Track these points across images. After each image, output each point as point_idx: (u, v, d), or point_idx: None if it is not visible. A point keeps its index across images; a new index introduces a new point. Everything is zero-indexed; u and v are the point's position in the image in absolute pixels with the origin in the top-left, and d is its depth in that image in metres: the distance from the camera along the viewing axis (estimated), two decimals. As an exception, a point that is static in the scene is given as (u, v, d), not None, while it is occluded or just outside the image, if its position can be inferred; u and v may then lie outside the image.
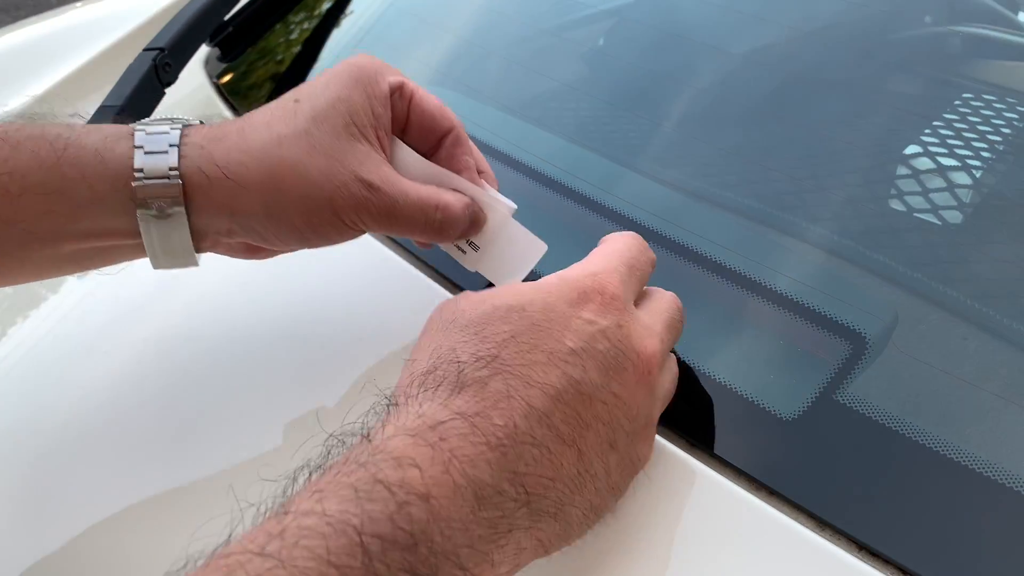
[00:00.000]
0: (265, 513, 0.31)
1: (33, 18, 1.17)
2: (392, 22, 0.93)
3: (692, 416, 0.46)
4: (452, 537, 0.31)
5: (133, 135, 0.43)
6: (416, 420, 0.33)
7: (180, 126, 0.44)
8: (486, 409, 0.34)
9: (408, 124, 0.49)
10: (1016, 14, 0.82)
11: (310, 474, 0.33)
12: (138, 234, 0.44)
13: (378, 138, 0.46)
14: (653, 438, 0.42)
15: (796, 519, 0.41)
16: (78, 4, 1.18)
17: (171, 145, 0.43)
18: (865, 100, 0.65)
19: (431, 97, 0.49)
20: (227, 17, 0.93)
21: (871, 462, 0.42)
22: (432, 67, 0.82)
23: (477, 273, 0.51)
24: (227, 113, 0.86)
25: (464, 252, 0.51)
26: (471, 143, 0.50)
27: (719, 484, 0.43)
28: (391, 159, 0.48)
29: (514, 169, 0.66)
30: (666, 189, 0.61)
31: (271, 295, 0.62)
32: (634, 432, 0.38)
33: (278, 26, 0.99)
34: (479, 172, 0.50)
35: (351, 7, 0.98)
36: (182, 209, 0.43)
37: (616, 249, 0.43)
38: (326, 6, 1.01)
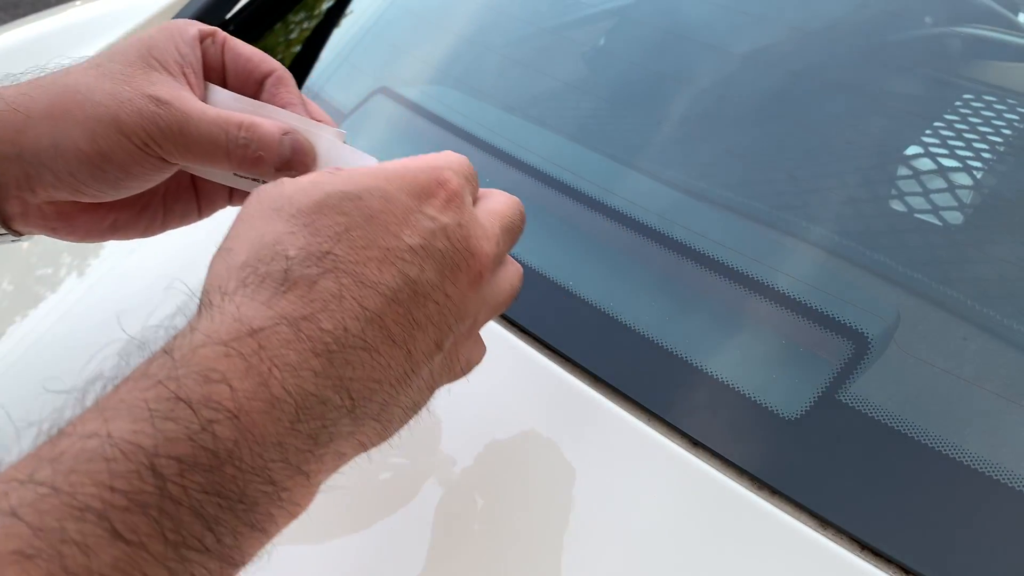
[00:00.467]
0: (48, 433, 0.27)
1: (31, 16, 1.17)
2: (392, 21, 0.93)
3: (695, 415, 0.46)
4: (263, 454, 0.28)
5: None
6: (232, 325, 0.30)
7: None
8: (315, 312, 0.31)
9: (225, 70, 0.48)
10: (1016, 15, 0.82)
11: (104, 388, 0.29)
12: None
13: (184, 74, 0.44)
14: (478, 342, 0.41)
15: (798, 518, 0.41)
16: (77, 3, 1.18)
17: None
18: (866, 101, 0.65)
19: (248, 45, 0.48)
20: (227, 16, 0.93)
21: (872, 461, 0.42)
22: (433, 66, 0.82)
23: None
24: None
25: None
26: (295, 87, 0.48)
27: (721, 483, 0.43)
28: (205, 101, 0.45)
29: (515, 167, 0.66)
30: (668, 188, 0.61)
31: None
32: (460, 334, 0.37)
33: (278, 26, 0.99)
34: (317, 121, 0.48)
35: (351, 7, 0.98)
36: None
37: (451, 158, 0.39)
38: (326, 5, 1.01)
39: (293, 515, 0.31)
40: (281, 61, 0.96)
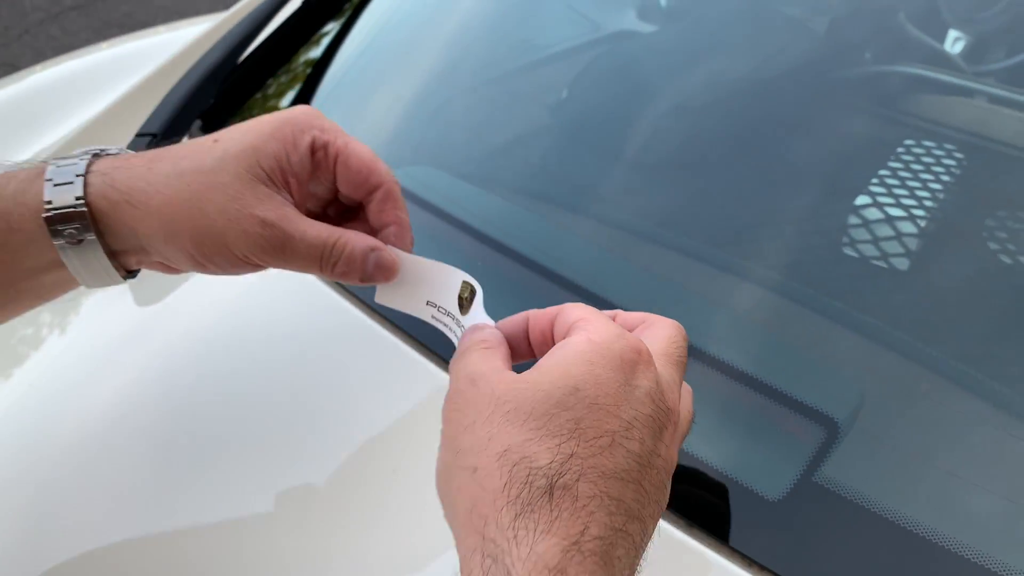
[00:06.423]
0: None
1: (63, 56, 1.21)
2: (358, 78, 0.96)
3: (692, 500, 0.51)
4: None
5: (45, 171, 0.45)
6: (536, 565, 0.34)
7: (90, 156, 0.47)
8: (587, 525, 0.35)
9: (337, 178, 0.50)
10: (941, 44, 0.87)
11: None
12: None
13: (288, 184, 0.48)
14: None
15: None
16: (103, 45, 1.20)
17: (77, 175, 0.45)
18: (823, 146, 0.69)
19: (362, 153, 0.50)
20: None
21: (851, 539, 0.47)
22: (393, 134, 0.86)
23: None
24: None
25: (446, 324, 0.49)
26: (402, 201, 0.51)
27: (717, 562, 0.48)
28: None
29: (471, 235, 0.70)
30: (621, 262, 0.66)
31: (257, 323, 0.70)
32: (668, 483, 0.41)
33: (254, 98, 1.01)
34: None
35: (323, 82, 1.00)
36: (93, 235, 0.45)
37: (620, 318, 0.45)
38: (285, 78, 1.04)
39: None
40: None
